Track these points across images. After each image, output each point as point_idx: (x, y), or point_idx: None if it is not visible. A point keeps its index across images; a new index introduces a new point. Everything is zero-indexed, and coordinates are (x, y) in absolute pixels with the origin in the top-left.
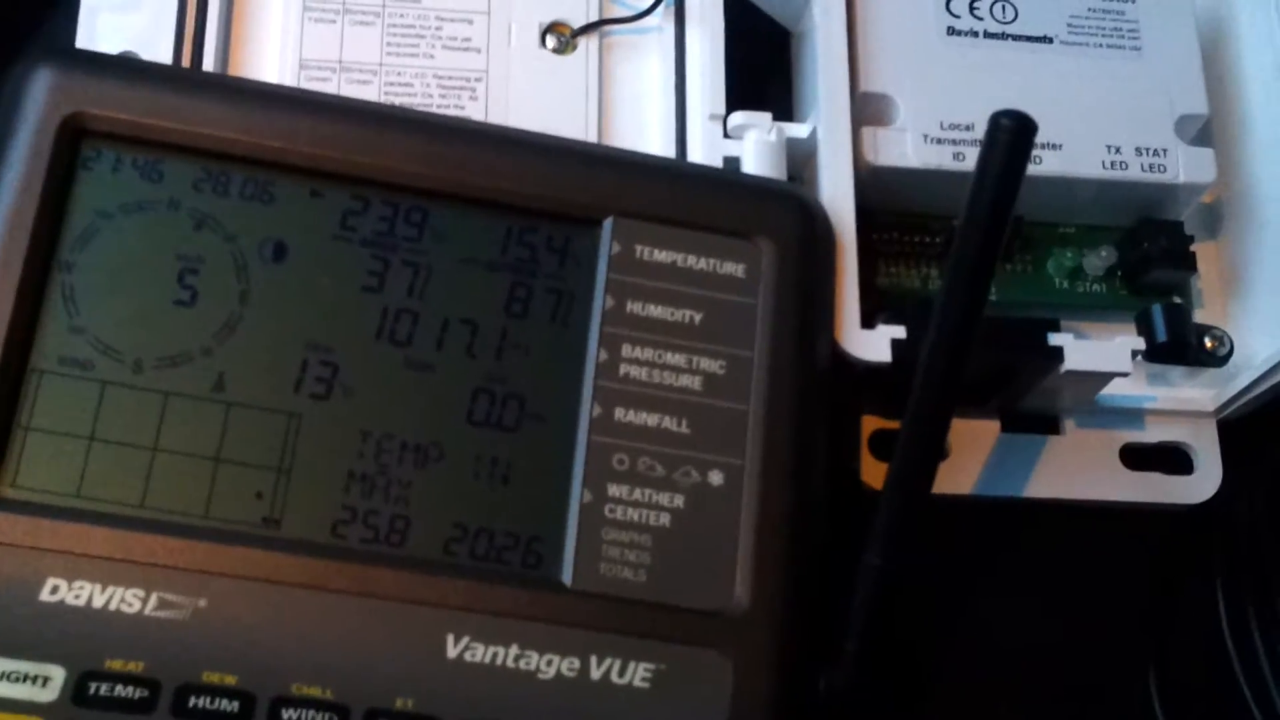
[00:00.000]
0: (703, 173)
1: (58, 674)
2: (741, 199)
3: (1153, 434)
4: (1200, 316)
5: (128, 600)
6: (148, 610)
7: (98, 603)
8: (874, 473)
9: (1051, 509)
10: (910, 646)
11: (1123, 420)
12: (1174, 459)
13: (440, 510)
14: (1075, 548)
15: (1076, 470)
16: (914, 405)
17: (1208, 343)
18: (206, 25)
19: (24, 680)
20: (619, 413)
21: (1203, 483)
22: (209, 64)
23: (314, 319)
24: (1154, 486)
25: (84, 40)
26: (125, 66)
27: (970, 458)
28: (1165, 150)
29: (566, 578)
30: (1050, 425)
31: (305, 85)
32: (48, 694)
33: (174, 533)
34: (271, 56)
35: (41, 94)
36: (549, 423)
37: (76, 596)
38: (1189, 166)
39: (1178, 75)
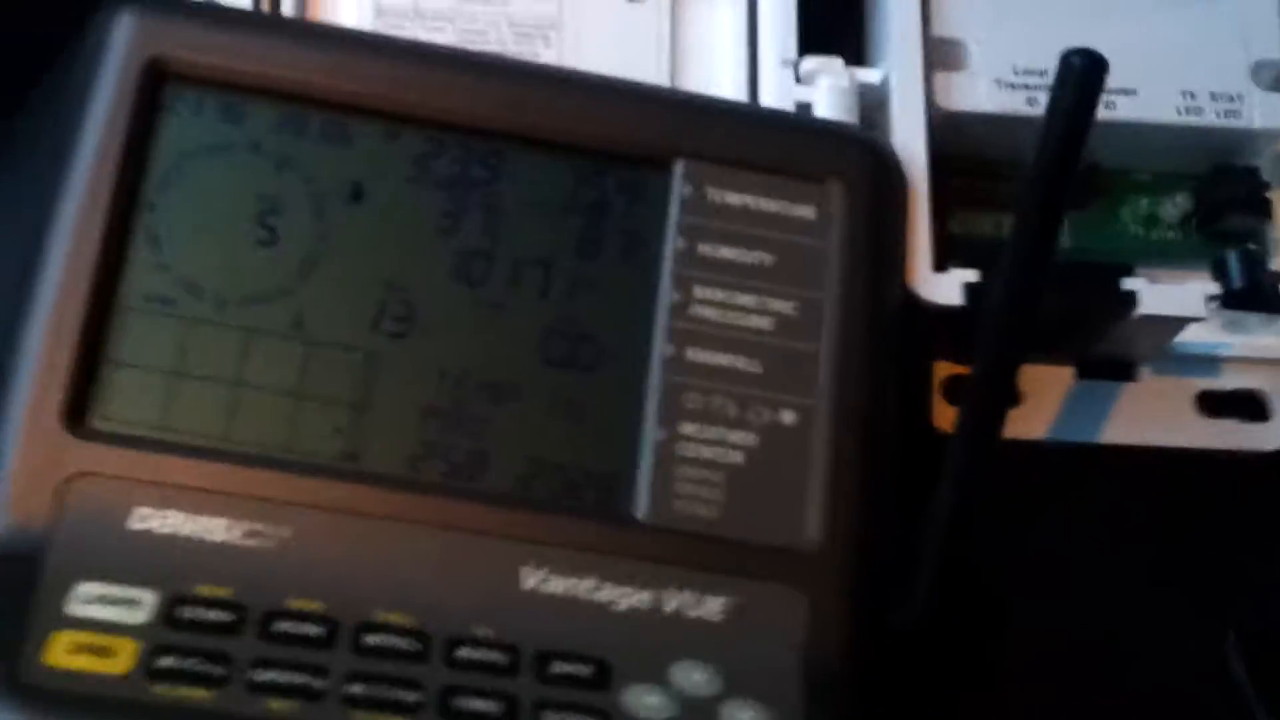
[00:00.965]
0: (773, 115)
1: (149, 598)
2: (812, 142)
3: (1229, 380)
4: (1278, 264)
5: (214, 529)
6: (234, 539)
7: (185, 531)
8: (945, 417)
9: (1126, 455)
10: (983, 587)
11: (1198, 367)
12: (1250, 406)
13: (516, 446)
14: (1150, 494)
15: (1151, 417)
16: (983, 350)
17: None
18: None
19: (116, 604)
20: (691, 352)
21: (1279, 430)
22: (288, 9)
23: (390, 259)
24: (1230, 433)
25: None
26: (206, 11)
27: (1044, 403)
28: (1241, 95)
29: (641, 513)
30: (1125, 372)
31: (381, 31)
32: (139, 615)
33: (257, 464)
34: (349, 3)
35: (124, 38)
36: (622, 362)
37: (164, 525)
38: (1265, 112)
39: (1253, 20)
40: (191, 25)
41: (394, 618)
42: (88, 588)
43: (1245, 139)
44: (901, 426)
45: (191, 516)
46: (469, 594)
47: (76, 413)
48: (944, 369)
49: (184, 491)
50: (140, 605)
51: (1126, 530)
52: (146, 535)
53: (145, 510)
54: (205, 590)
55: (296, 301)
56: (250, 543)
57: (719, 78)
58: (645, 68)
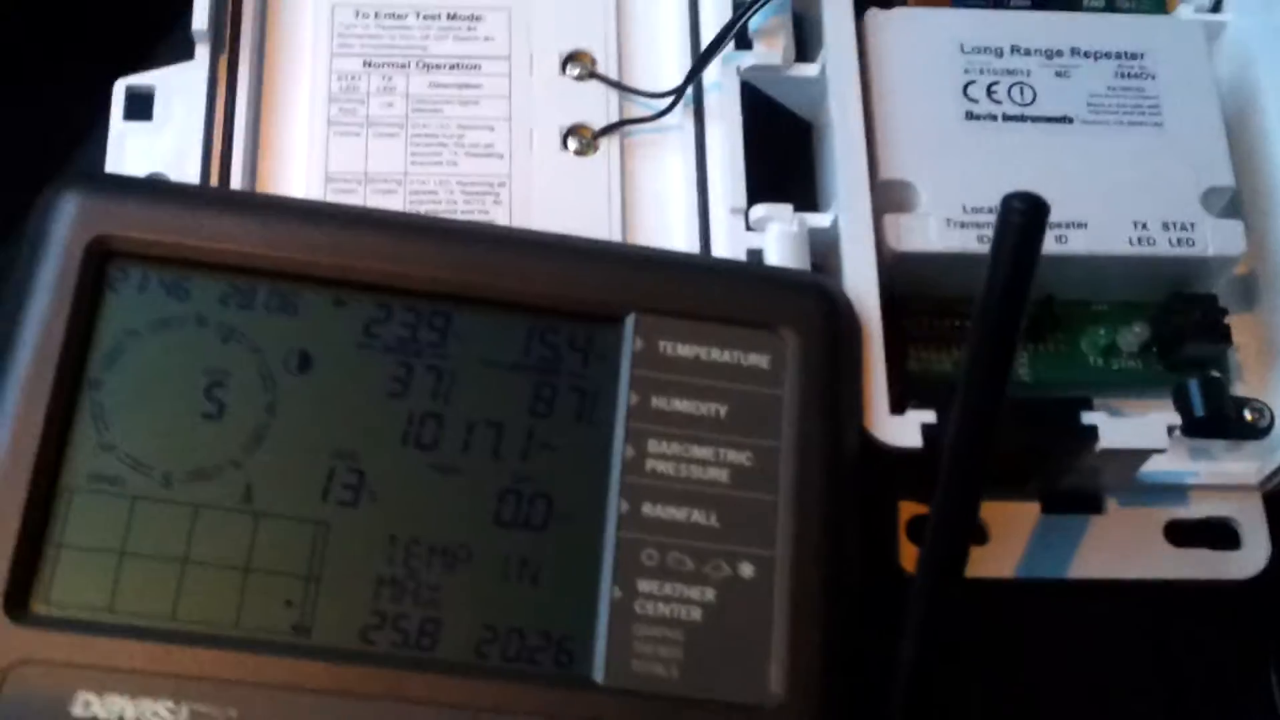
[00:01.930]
0: (722, 265)
1: None
2: (763, 290)
3: (1197, 509)
4: (1240, 389)
5: (159, 713)
6: None
7: (129, 716)
8: (912, 558)
9: (1097, 589)
10: None
11: (1166, 497)
12: (1220, 534)
13: (470, 612)
14: (1122, 628)
15: (1120, 549)
16: (941, 490)
17: (1248, 415)
18: (233, 144)
19: None
20: (647, 508)
21: (1251, 557)
22: (236, 181)
23: (340, 427)
24: (1201, 563)
25: (113, 164)
26: (148, 188)
27: (1011, 541)
28: (1193, 224)
29: (599, 676)
30: (1092, 505)
31: (332, 198)
32: None
33: (205, 644)
34: (298, 171)
35: (67, 218)
36: (577, 521)
37: (108, 711)
38: (1218, 239)
39: (1202, 148)
40: (135, 203)
41: None
42: None
43: (1200, 266)
44: (865, 571)
45: (135, 700)
46: None
47: (18, 599)
48: (909, 509)
49: (128, 675)
50: None
51: (1100, 666)
52: None
53: (88, 696)
54: None
55: (245, 474)
56: None
57: (671, 227)
58: (597, 221)
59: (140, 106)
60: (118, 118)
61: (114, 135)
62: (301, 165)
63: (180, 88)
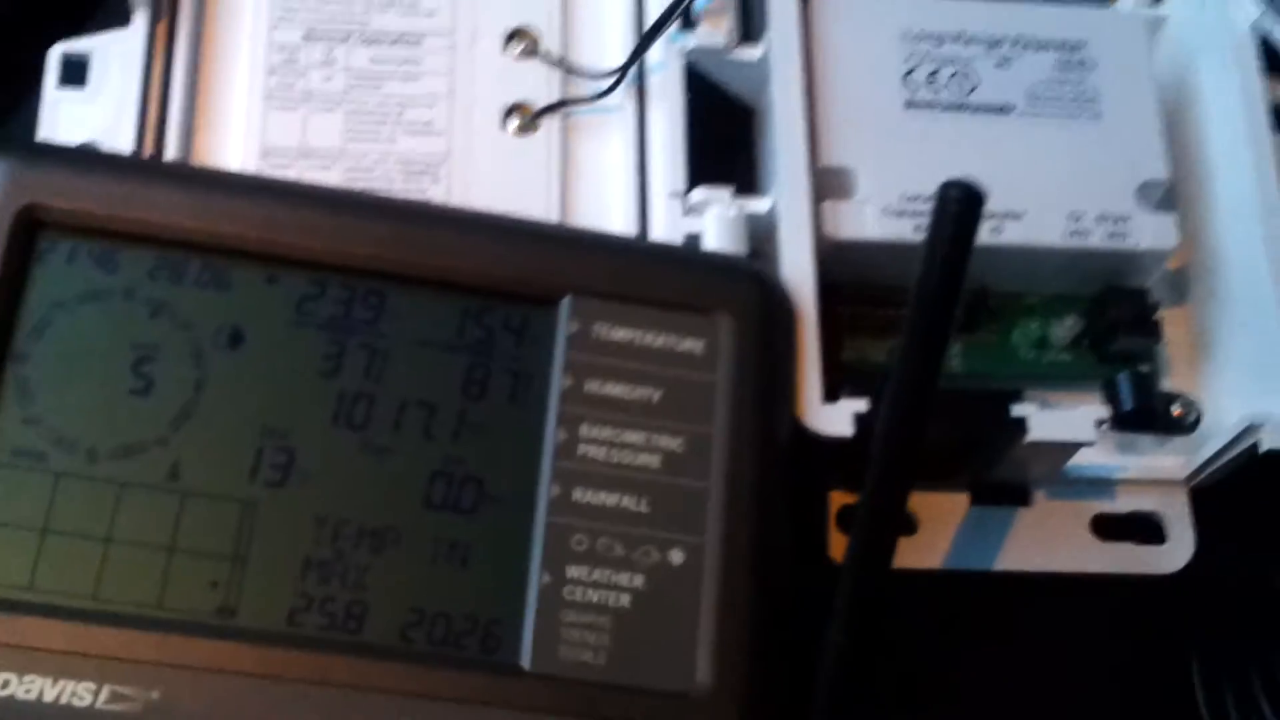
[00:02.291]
0: (659, 249)
1: None
2: (698, 275)
3: (1124, 503)
4: (1170, 382)
5: (79, 694)
6: (100, 704)
7: (49, 697)
8: (841, 548)
9: (1023, 581)
10: None
11: (1093, 490)
12: (1146, 528)
13: (397, 595)
14: (1047, 620)
15: (1047, 542)
16: (871, 480)
17: (1175, 410)
18: (169, 114)
19: None
20: (578, 493)
21: (1175, 552)
22: (171, 153)
23: (270, 405)
24: (1126, 556)
25: (46, 131)
26: (79, 157)
27: (939, 531)
28: (1127, 217)
29: (525, 661)
30: (1020, 497)
31: (268, 172)
32: None
33: (128, 624)
34: (234, 144)
35: None
36: (507, 504)
37: (27, 691)
38: (1151, 233)
39: (1138, 141)
40: (66, 172)
41: None
42: None
43: (1133, 260)
44: (795, 561)
45: (55, 681)
46: None
47: None
48: (840, 498)
49: (48, 655)
50: None
51: (1024, 658)
52: (8, 703)
53: (6, 675)
54: None
55: (172, 452)
56: (117, 707)
57: (610, 209)
58: (536, 201)
59: (75, 73)
60: (51, 84)
61: (47, 102)
62: (238, 138)
63: (117, 55)
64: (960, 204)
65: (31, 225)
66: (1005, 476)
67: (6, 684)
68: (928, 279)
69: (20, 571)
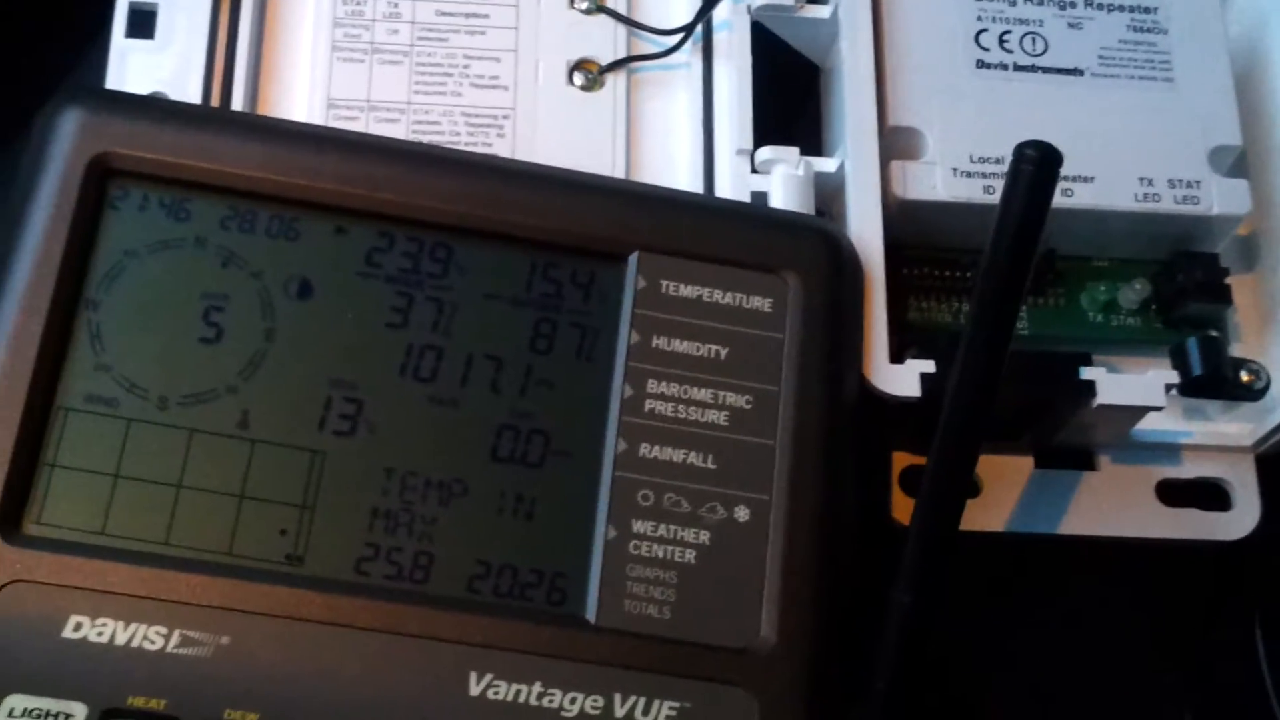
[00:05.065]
0: (728, 207)
1: (80, 711)
2: (767, 233)
3: (1189, 470)
4: (1237, 350)
5: (150, 638)
6: (170, 647)
7: (120, 640)
8: (904, 509)
9: (1086, 546)
10: (942, 685)
11: (1159, 456)
12: (1211, 495)
13: (464, 547)
14: (1110, 585)
15: (1112, 507)
16: (940, 441)
17: (1244, 376)
18: (235, 65)
19: (46, 718)
20: (644, 448)
21: (1241, 519)
22: (238, 103)
23: (339, 356)
24: (1191, 523)
25: (114, 81)
26: (151, 106)
27: (1003, 494)
28: (1199, 182)
29: (591, 615)
30: (1085, 461)
31: (333, 124)
32: None
33: (197, 570)
34: (300, 96)
35: (69, 134)
36: (574, 459)
37: (99, 634)
38: (1223, 198)
39: (1211, 106)
40: (137, 121)
41: None
42: (17, 700)
43: (1204, 225)
44: (859, 521)
45: (128, 624)
46: (413, 702)
47: (11, 518)
48: (903, 460)
49: (121, 599)
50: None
51: (1087, 622)
52: (81, 645)
53: (80, 618)
54: (139, 702)
55: (241, 400)
56: (187, 651)
57: (675, 167)
58: (600, 158)
59: (142, 24)
60: (119, 35)
61: (115, 53)
62: (304, 89)
63: (183, 6)
64: (1037, 164)
65: (104, 173)
66: (1070, 440)
67: (79, 627)
68: (1002, 238)
69: (91, 515)
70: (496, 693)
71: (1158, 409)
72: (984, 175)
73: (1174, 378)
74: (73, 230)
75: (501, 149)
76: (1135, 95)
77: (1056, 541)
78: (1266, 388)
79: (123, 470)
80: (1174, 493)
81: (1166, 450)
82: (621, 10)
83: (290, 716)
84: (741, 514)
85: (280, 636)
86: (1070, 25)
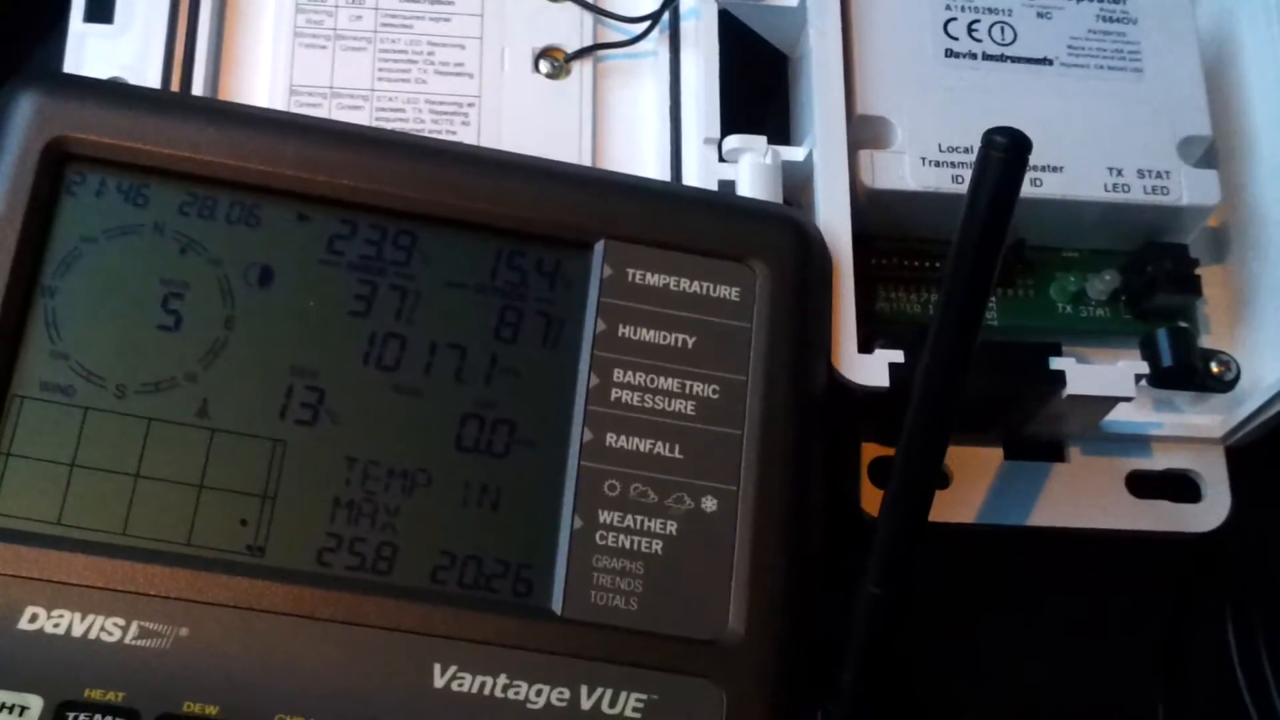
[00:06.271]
0: (695, 195)
1: (36, 704)
2: (734, 221)
3: (1159, 461)
4: (1207, 341)
5: (108, 629)
6: (128, 639)
7: (77, 631)
8: (873, 500)
9: (1056, 538)
10: (910, 678)
11: (1129, 447)
12: (1181, 486)
13: (428, 537)
14: (1081, 577)
15: (1082, 498)
16: (909, 431)
17: (1214, 368)
18: (196, 50)
19: (1, 710)
20: (610, 438)
21: (1211, 511)
22: (198, 89)
23: (300, 344)
24: (1161, 515)
25: (72, 66)
26: (109, 90)
27: (973, 486)
28: (1168, 172)
29: (556, 606)
30: (1055, 453)
31: (295, 110)
32: None
33: (156, 560)
34: (262, 82)
35: (25, 118)
36: (539, 448)
37: (56, 625)
38: (1192, 189)
39: (1180, 97)
40: (95, 105)
41: None
42: None
43: (1173, 216)
44: (827, 512)
45: (84, 616)
46: (377, 694)
47: None
48: (871, 451)
49: (77, 590)
50: (28, 713)
51: (1057, 614)
52: (37, 636)
53: (36, 610)
54: (96, 694)
55: (201, 389)
56: (145, 643)
57: (642, 156)
58: (567, 146)
59: (101, 8)
60: (78, 19)
61: (73, 37)
62: (265, 76)
63: None
64: (1006, 151)
65: (60, 158)
66: (1040, 431)
67: (35, 618)
68: (970, 226)
69: (49, 506)
70: (461, 685)
71: (1127, 400)
72: (953, 164)
73: (1144, 369)
74: (29, 215)
75: (466, 136)
76: (1104, 85)
77: (1026, 533)
78: (1236, 379)
79: (79, 459)
80: (1144, 484)
81: (1136, 442)
82: None
83: (251, 709)
84: (709, 504)
85: (241, 628)
86: (1039, 15)
